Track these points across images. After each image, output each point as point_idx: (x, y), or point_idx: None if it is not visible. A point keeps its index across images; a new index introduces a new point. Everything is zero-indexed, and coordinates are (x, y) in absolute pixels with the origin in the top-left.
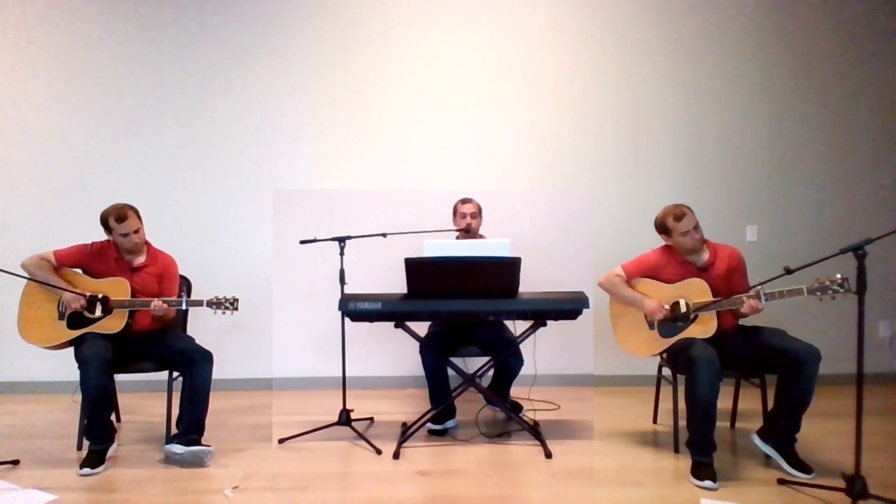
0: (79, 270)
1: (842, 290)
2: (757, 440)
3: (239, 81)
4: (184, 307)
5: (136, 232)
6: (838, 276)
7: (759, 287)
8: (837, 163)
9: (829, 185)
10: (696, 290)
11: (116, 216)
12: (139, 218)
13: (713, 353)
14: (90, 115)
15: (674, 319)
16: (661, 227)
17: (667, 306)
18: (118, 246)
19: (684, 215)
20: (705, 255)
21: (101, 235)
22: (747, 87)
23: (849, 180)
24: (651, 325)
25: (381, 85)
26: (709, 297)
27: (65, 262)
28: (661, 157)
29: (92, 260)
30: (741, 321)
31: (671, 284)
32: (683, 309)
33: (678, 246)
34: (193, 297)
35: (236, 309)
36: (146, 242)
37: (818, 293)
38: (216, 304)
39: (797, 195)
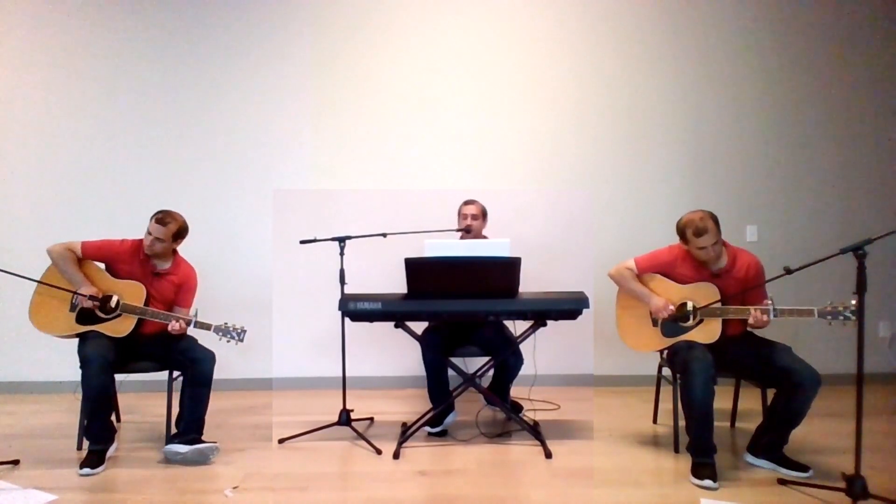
0: (102, 265)
1: (853, 318)
2: (749, 458)
3: (239, 82)
4: (192, 327)
5: (158, 240)
6: (853, 302)
7: (770, 302)
8: (837, 163)
9: (829, 185)
10: (706, 295)
11: (155, 217)
12: (170, 232)
13: (709, 358)
14: (89, 115)
15: (678, 320)
16: (681, 234)
17: (672, 306)
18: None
19: (705, 232)
20: (723, 262)
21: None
22: (747, 88)
23: (849, 180)
24: (655, 323)
25: (381, 85)
26: (718, 304)
27: (90, 254)
28: (661, 157)
29: (118, 256)
30: (749, 328)
31: (682, 285)
32: (689, 311)
33: (693, 254)
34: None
35: (241, 341)
36: (175, 251)
37: (829, 317)
38: (223, 330)
39: (797, 195)
